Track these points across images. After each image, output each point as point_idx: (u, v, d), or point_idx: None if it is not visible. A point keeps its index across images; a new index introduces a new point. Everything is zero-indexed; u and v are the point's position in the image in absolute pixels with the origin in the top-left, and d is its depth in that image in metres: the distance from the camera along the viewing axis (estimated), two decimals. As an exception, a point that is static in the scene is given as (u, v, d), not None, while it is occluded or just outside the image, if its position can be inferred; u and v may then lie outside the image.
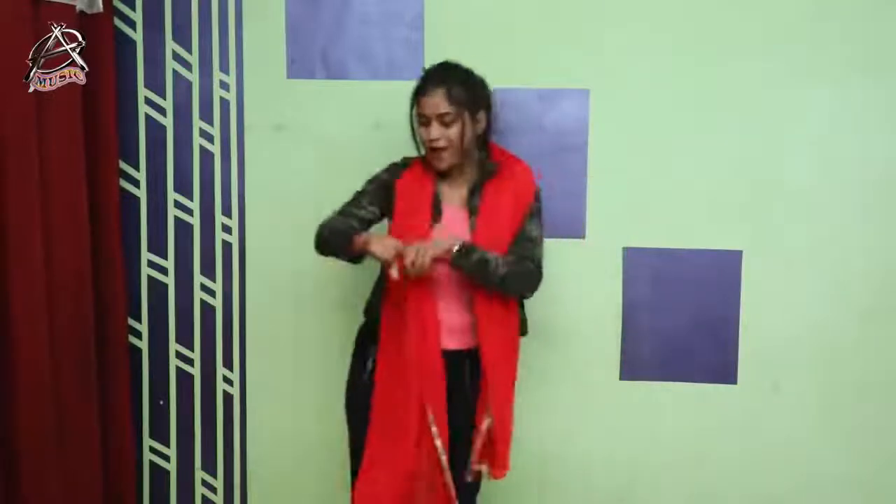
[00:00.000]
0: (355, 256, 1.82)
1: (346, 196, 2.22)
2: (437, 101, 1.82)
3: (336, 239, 1.82)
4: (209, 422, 2.33)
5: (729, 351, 2.22)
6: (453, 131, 1.83)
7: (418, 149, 1.92)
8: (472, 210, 1.87)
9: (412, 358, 1.79)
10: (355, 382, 1.95)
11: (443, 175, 1.90)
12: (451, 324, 1.85)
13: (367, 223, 1.91)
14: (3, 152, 1.85)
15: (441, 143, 1.83)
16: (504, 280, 1.79)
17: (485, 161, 1.92)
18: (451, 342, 1.85)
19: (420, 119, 1.85)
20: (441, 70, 1.88)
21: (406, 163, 1.95)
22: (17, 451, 1.92)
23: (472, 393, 1.88)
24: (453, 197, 1.90)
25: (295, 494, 2.33)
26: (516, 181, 1.90)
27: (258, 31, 2.23)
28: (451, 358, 1.84)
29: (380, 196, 1.92)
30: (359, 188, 1.94)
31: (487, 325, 1.84)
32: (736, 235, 2.20)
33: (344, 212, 1.90)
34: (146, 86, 2.26)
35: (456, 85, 1.84)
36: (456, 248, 1.77)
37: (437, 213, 1.86)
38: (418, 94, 1.86)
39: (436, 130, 1.82)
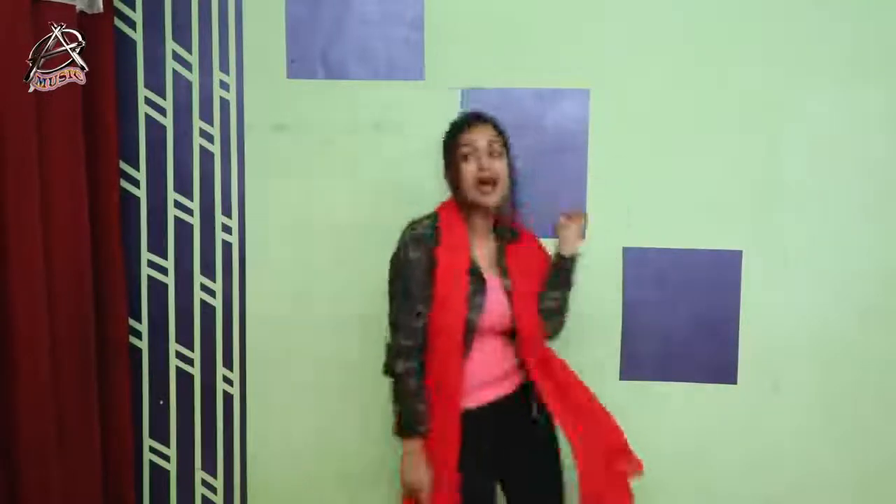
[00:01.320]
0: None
1: (347, 195, 2.24)
2: (488, 131, 1.80)
3: (405, 409, 1.76)
4: (209, 422, 2.33)
5: (729, 351, 2.22)
6: (501, 165, 1.80)
7: (457, 194, 1.83)
8: (503, 272, 1.85)
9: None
10: None
11: (472, 230, 1.84)
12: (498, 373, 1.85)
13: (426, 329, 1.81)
14: (3, 152, 1.85)
15: (492, 174, 1.77)
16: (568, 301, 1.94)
17: (504, 221, 1.89)
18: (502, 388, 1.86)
19: (464, 153, 1.79)
20: (479, 112, 1.88)
21: (427, 228, 1.81)
22: (17, 450, 1.92)
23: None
24: (483, 258, 1.84)
25: (295, 494, 2.33)
26: (535, 244, 1.95)
27: (258, 31, 2.23)
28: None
29: (427, 285, 1.78)
30: (396, 287, 1.80)
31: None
32: (736, 235, 2.20)
33: (406, 332, 1.77)
34: (146, 86, 2.26)
35: (497, 124, 1.84)
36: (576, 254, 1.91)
37: (479, 280, 1.80)
38: (462, 128, 1.82)
39: (486, 160, 1.78)
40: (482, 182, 1.78)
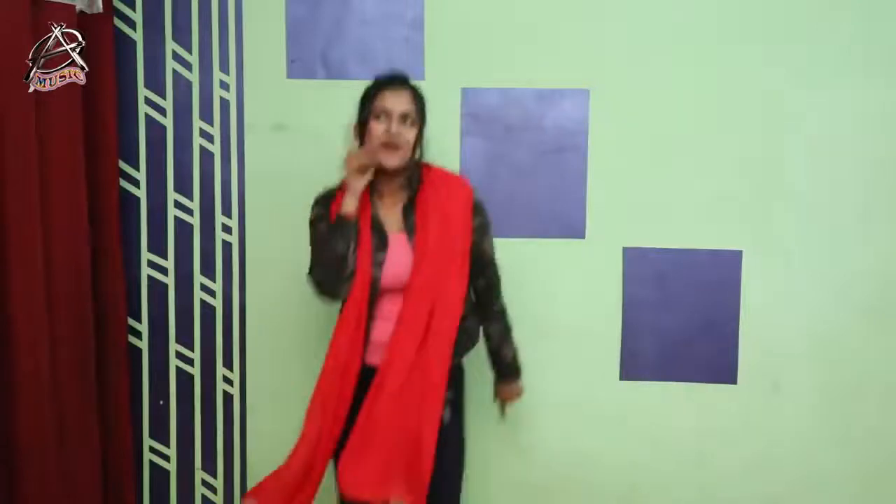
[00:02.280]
0: (347, 237, 1.77)
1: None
2: (405, 99, 1.81)
3: (328, 262, 1.78)
4: (209, 422, 2.33)
5: (729, 351, 2.22)
6: (411, 134, 1.81)
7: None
8: (409, 230, 1.83)
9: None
10: None
11: (377, 193, 1.85)
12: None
13: None
14: (3, 152, 1.85)
15: (397, 141, 1.78)
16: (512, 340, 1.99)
17: (412, 177, 1.88)
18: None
19: (376, 113, 1.80)
20: (403, 75, 1.86)
21: (332, 192, 1.88)
22: (17, 450, 1.92)
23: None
24: (390, 220, 1.85)
25: (295, 494, 2.33)
26: (448, 192, 1.86)
27: (258, 31, 2.23)
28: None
29: None
30: (311, 235, 1.86)
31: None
32: (736, 235, 2.20)
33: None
34: (146, 86, 2.26)
35: (418, 93, 1.84)
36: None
37: (381, 239, 1.82)
38: (381, 88, 1.82)
39: (396, 126, 1.79)
40: (385, 145, 1.78)
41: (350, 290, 1.79)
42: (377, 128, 1.79)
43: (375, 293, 1.80)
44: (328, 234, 1.78)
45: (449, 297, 1.81)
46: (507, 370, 2.00)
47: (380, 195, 1.86)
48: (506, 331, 1.97)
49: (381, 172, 1.81)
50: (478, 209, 1.87)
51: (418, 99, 1.84)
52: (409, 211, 1.84)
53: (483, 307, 1.94)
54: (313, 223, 1.86)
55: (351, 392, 1.81)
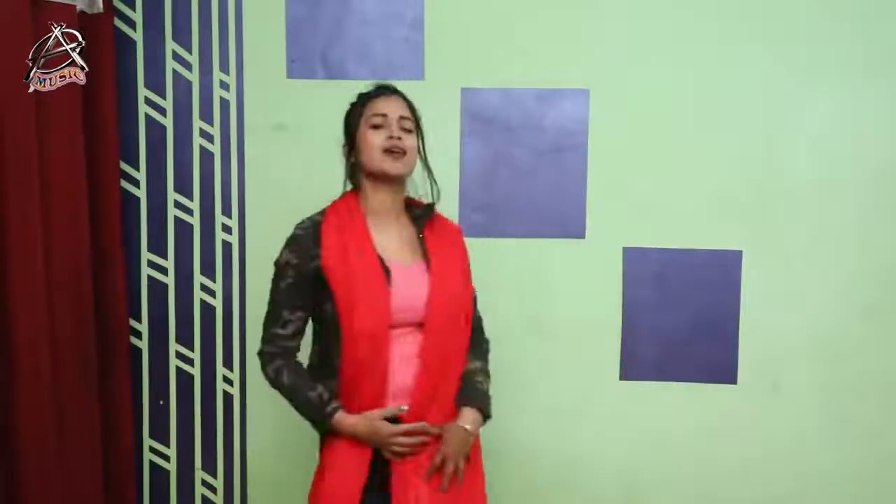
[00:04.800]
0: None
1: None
2: (400, 105, 1.68)
3: (302, 406, 1.62)
4: (209, 422, 2.33)
5: (729, 351, 2.22)
6: (412, 140, 1.67)
7: (353, 179, 1.73)
8: (426, 258, 1.66)
9: None
10: None
11: (373, 216, 1.68)
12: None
13: (301, 333, 1.68)
14: (4, 152, 1.85)
15: (402, 145, 1.63)
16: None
17: (413, 203, 1.74)
18: None
19: (373, 123, 1.65)
20: (391, 85, 1.74)
21: (308, 227, 1.66)
22: (18, 450, 1.92)
23: None
24: (392, 248, 1.66)
25: (295, 494, 2.33)
26: (453, 232, 1.76)
27: (258, 31, 2.23)
28: None
29: (301, 290, 1.63)
30: (271, 292, 1.67)
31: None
32: (736, 235, 2.20)
33: (269, 339, 1.66)
34: (146, 86, 2.26)
35: (410, 102, 1.72)
36: (474, 426, 1.64)
37: (386, 272, 1.61)
38: (373, 97, 1.68)
39: (397, 130, 1.64)
40: (389, 151, 1.63)
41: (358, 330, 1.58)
42: (376, 136, 1.64)
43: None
44: (294, 396, 1.62)
45: (464, 337, 1.69)
46: (471, 396, 1.67)
47: (377, 216, 1.69)
48: (484, 366, 1.75)
49: (380, 187, 1.68)
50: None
51: (412, 108, 1.71)
52: (417, 233, 1.69)
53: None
54: (279, 273, 1.64)
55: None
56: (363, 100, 1.71)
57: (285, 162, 2.25)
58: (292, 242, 1.66)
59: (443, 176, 2.14)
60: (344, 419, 1.59)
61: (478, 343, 1.77)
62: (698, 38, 2.17)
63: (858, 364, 2.19)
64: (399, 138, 1.64)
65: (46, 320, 1.94)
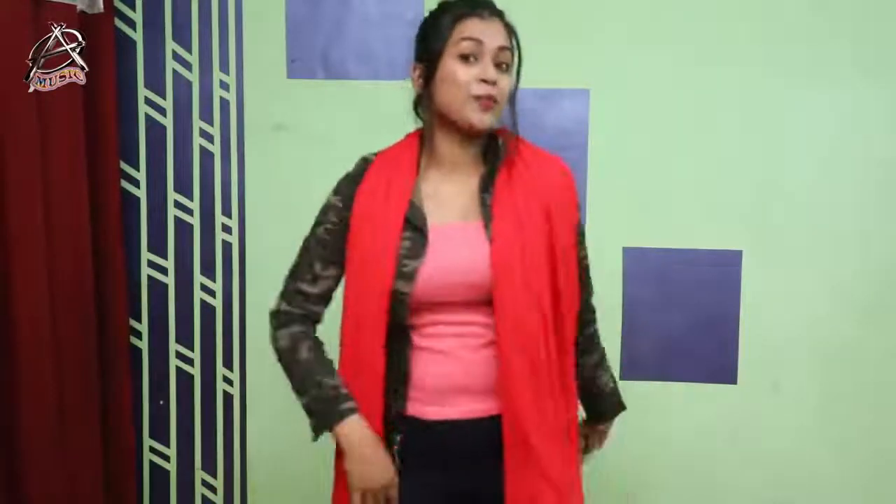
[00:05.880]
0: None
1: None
2: (499, 31, 1.29)
3: (310, 391, 1.34)
4: (209, 422, 2.33)
5: (729, 351, 2.22)
6: (506, 82, 1.29)
7: (420, 111, 1.37)
8: (487, 216, 1.29)
9: None
10: None
11: (438, 165, 1.34)
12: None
13: (329, 297, 1.39)
14: (4, 152, 1.85)
15: (497, 92, 1.26)
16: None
17: (494, 140, 1.35)
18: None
19: (461, 50, 1.26)
20: (492, 4, 1.33)
21: (362, 164, 1.37)
22: (18, 450, 1.92)
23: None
24: (454, 204, 1.32)
25: (295, 494, 2.33)
26: (546, 176, 1.33)
27: (258, 31, 2.23)
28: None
29: (339, 242, 1.34)
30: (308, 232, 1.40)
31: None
32: (736, 235, 2.20)
33: (290, 297, 1.37)
34: (146, 86, 2.26)
35: (511, 26, 1.34)
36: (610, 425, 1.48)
37: (419, 239, 1.27)
38: (466, 15, 1.28)
39: (492, 70, 1.26)
40: (480, 98, 1.26)
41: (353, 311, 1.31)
42: (465, 72, 1.26)
43: (404, 314, 1.29)
44: (306, 377, 1.35)
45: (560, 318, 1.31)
46: (604, 405, 1.51)
47: (442, 168, 1.33)
48: (602, 358, 1.55)
49: (454, 136, 1.31)
50: (578, 207, 1.40)
51: (512, 33, 1.33)
52: (486, 189, 1.31)
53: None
54: (319, 218, 1.38)
55: None
56: (453, 15, 1.29)
57: (285, 162, 2.25)
58: (340, 182, 1.37)
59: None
60: (358, 428, 1.28)
61: (583, 325, 1.47)
62: (698, 38, 2.16)
63: (858, 364, 2.19)
64: (494, 82, 1.26)
65: (47, 320, 1.94)
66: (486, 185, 1.32)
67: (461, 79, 1.26)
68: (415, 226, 1.29)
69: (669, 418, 2.25)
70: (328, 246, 1.36)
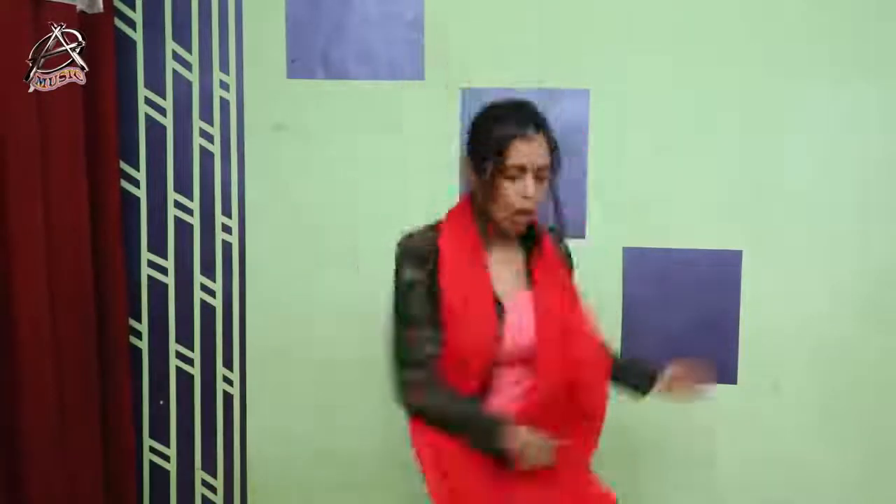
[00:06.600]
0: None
1: (346, 195, 2.24)
2: (539, 150, 1.48)
3: (479, 425, 1.47)
4: (209, 422, 2.33)
5: (729, 351, 2.22)
6: (542, 190, 1.51)
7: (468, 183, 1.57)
8: (527, 285, 1.58)
9: None
10: None
11: (489, 250, 1.57)
12: None
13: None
14: (4, 152, 1.85)
15: (533, 204, 1.49)
16: None
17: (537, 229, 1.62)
18: None
19: (508, 173, 1.47)
20: (534, 112, 1.52)
21: (426, 243, 1.53)
22: (19, 450, 1.92)
23: None
24: (504, 279, 1.56)
25: (295, 494, 2.33)
26: (553, 246, 1.64)
27: (258, 31, 2.23)
28: None
29: (434, 305, 1.51)
30: (399, 312, 1.54)
31: None
32: (736, 235, 2.20)
33: (421, 364, 1.50)
34: (146, 86, 2.26)
35: (552, 137, 1.52)
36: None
37: (500, 306, 1.52)
38: (514, 137, 1.46)
39: (532, 187, 1.47)
40: (521, 212, 1.50)
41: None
42: (510, 189, 1.47)
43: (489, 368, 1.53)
44: (469, 417, 1.49)
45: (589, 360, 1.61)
46: (644, 363, 1.81)
47: (496, 240, 1.58)
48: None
49: (497, 231, 1.55)
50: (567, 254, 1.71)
51: (553, 146, 1.52)
52: (525, 262, 1.60)
53: None
54: (407, 293, 1.51)
55: None
56: (502, 138, 1.47)
57: (285, 162, 2.25)
58: (409, 256, 1.52)
59: (442, 176, 2.15)
60: (515, 428, 1.45)
61: None
62: (698, 38, 2.16)
63: (858, 364, 2.19)
64: (532, 198, 1.48)
65: (48, 320, 1.94)
66: (525, 262, 1.59)
67: (508, 198, 1.48)
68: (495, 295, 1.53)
69: (670, 418, 2.25)
70: (428, 310, 1.51)
